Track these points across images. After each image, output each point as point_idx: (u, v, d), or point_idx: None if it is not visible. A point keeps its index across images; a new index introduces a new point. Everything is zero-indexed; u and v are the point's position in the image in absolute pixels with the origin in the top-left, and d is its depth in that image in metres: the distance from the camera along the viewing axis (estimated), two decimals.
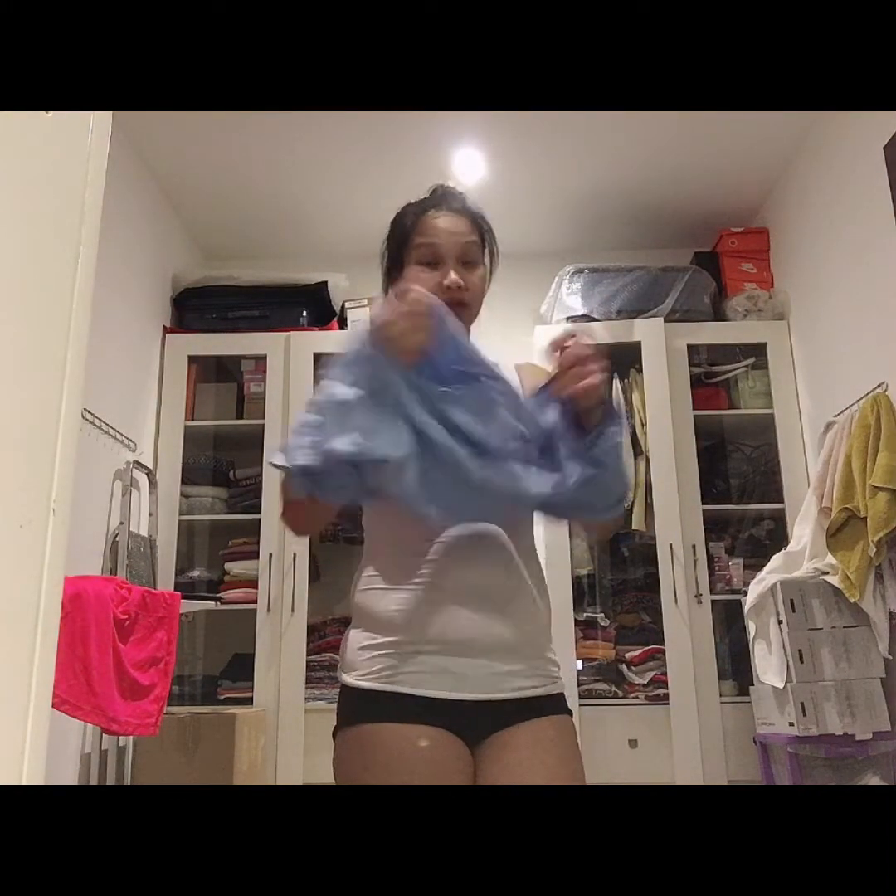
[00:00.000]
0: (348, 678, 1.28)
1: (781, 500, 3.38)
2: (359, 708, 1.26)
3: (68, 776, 2.69)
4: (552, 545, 3.27)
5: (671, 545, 3.29)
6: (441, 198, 1.41)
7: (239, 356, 3.69)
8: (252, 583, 3.36)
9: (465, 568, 1.28)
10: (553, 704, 1.30)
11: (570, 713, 1.34)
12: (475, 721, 1.24)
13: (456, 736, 1.22)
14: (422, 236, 1.37)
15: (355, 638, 1.31)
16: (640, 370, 3.51)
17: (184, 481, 3.49)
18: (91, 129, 0.86)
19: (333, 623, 3.52)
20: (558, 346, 1.25)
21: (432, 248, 1.35)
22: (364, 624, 1.31)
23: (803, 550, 2.92)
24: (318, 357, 3.58)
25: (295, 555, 3.33)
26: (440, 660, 1.24)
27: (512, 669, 1.27)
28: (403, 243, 1.40)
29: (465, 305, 1.34)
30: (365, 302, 3.71)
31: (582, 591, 3.44)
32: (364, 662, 1.27)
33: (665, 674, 3.21)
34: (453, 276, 1.33)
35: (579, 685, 3.22)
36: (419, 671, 1.24)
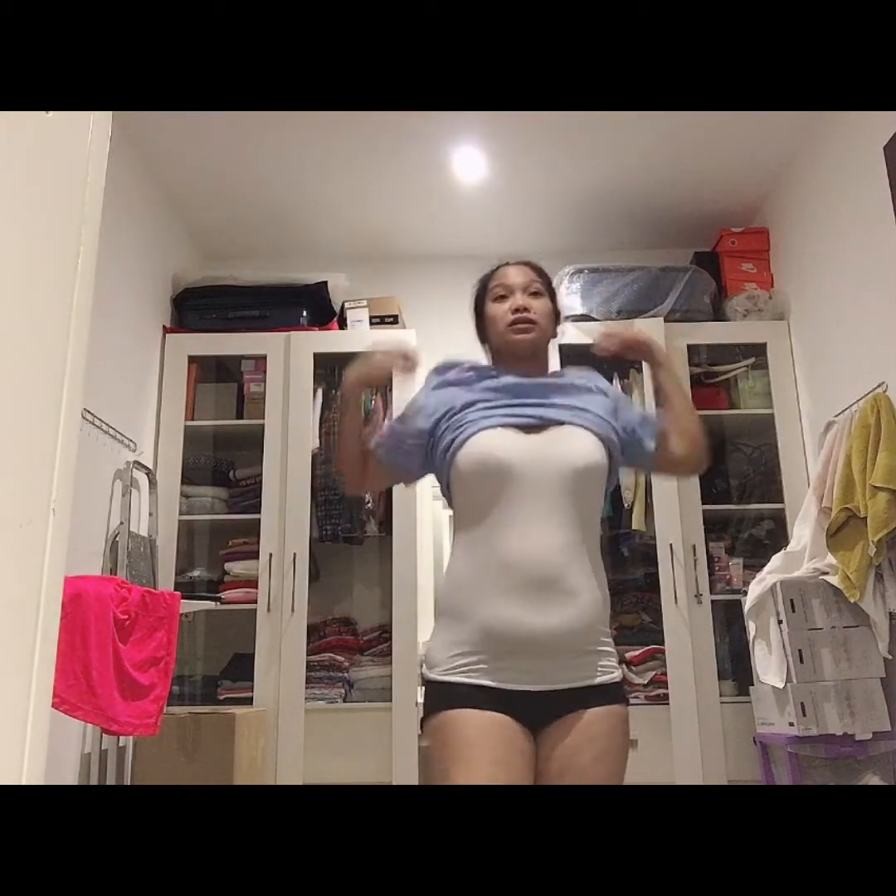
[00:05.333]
0: (431, 674, 1.51)
1: (781, 500, 3.38)
2: (440, 698, 1.48)
3: (68, 776, 2.68)
4: None
5: (671, 545, 3.29)
6: (508, 259, 1.77)
7: (239, 356, 3.68)
8: (252, 583, 3.35)
9: (531, 575, 1.46)
10: (606, 694, 1.49)
11: (624, 701, 1.53)
12: (536, 709, 1.45)
13: (519, 722, 1.43)
14: (495, 281, 1.71)
15: (436, 635, 1.54)
16: (640, 370, 3.51)
17: (184, 481, 3.48)
18: (91, 129, 0.86)
19: (333, 623, 3.52)
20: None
21: (503, 286, 1.69)
22: (442, 621, 1.54)
23: (803, 550, 2.92)
24: (318, 357, 3.58)
25: (295, 555, 3.33)
26: (507, 655, 1.45)
27: (569, 663, 1.47)
28: (483, 291, 1.73)
29: (533, 323, 1.65)
30: (364, 302, 3.71)
31: None
32: (445, 659, 1.49)
33: (665, 674, 3.21)
34: (520, 300, 1.66)
35: None
36: (490, 666, 1.45)
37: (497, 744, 1.40)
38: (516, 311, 1.64)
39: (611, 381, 3.54)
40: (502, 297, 1.67)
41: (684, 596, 3.25)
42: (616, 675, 1.52)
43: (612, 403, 1.66)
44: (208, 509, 3.54)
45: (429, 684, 1.50)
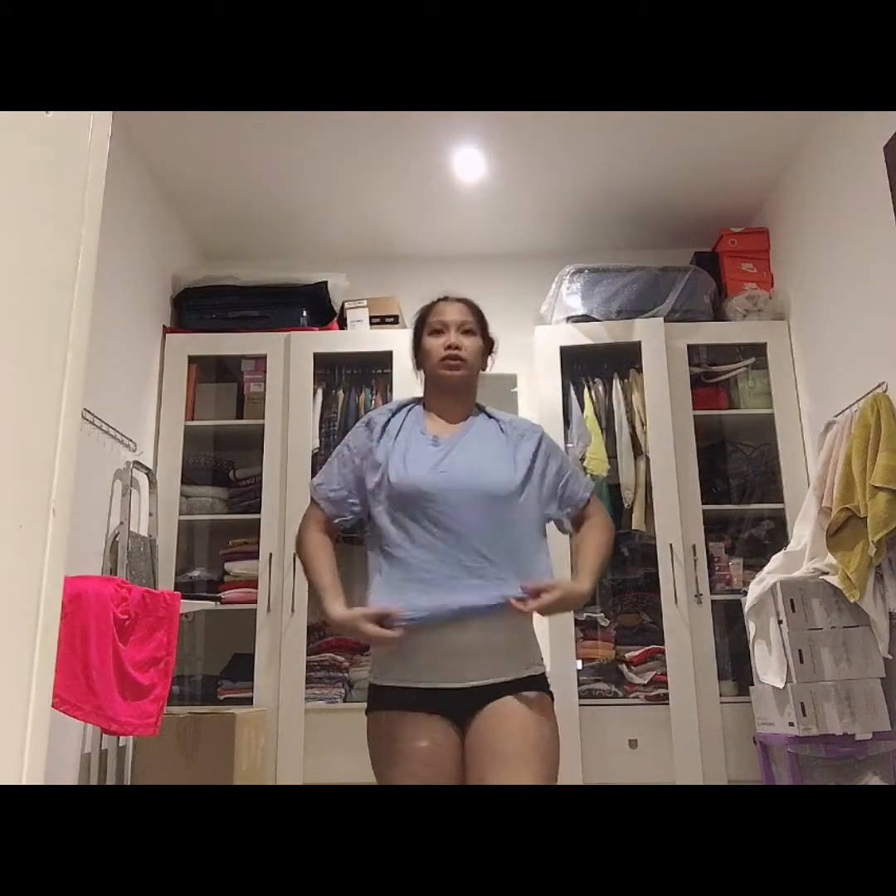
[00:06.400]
0: (370, 677, 1.75)
1: (781, 500, 3.38)
2: (375, 698, 1.71)
3: (68, 776, 2.68)
4: (552, 545, 3.27)
5: (671, 545, 3.29)
6: (447, 294, 1.94)
7: (239, 356, 3.68)
8: (252, 583, 3.35)
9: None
10: (523, 685, 1.67)
11: (543, 691, 1.70)
12: (461, 704, 1.65)
13: (447, 718, 1.64)
14: (432, 316, 1.90)
15: (376, 648, 1.75)
16: (640, 370, 3.51)
17: (184, 481, 3.48)
18: (91, 129, 0.86)
19: None
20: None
21: (440, 322, 1.87)
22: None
23: (803, 550, 2.92)
24: (318, 357, 3.58)
25: (295, 555, 3.32)
26: (430, 660, 1.65)
27: (485, 663, 1.66)
28: (421, 325, 1.91)
29: (462, 360, 1.84)
30: (364, 302, 3.71)
31: None
32: (377, 663, 1.74)
33: (665, 674, 3.21)
34: (452, 339, 1.84)
35: (579, 685, 3.21)
36: (415, 668, 1.66)
37: (426, 745, 1.61)
38: (449, 347, 1.83)
39: (610, 382, 3.56)
40: (438, 332, 1.86)
41: (684, 596, 3.24)
42: (535, 670, 1.71)
43: (535, 454, 1.83)
44: (208, 509, 3.54)
45: (370, 687, 1.73)
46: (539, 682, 1.71)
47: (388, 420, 1.85)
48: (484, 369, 1.93)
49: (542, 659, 1.77)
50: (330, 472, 1.86)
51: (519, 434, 1.85)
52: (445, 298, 1.92)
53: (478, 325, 1.90)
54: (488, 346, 1.93)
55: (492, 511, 1.71)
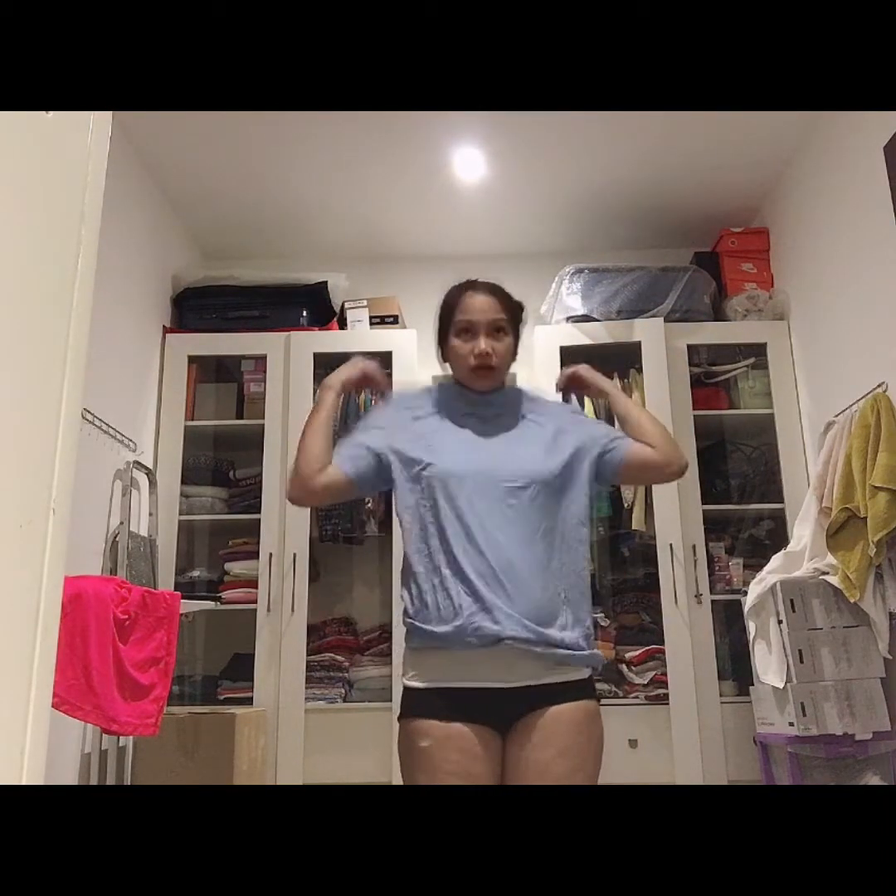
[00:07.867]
0: (404, 679, 1.62)
1: (781, 500, 3.38)
2: (409, 705, 1.58)
3: (68, 776, 2.68)
4: None
5: (671, 545, 3.29)
6: (477, 281, 1.78)
7: (239, 356, 3.68)
8: (252, 583, 3.35)
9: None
10: (572, 690, 1.54)
11: (592, 697, 1.58)
12: (501, 707, 1.52)
13: (484, 724, 1.51)
14: (460, 313, 1.72)
15: (406, 643, 1.64)
16: (640, 370, 3.51)
17: (184, 481, 3.48)
18: (91, 129, 0.86)
19: (333, 623, 3.52)
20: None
21: (467, 323, 1.71)
22: (407, 628, 1.62)
23: (803, 550, 2.92)
24: (318, 357, 3.58)
25: (295, 555, 3.33)
26: (478, 657, 1.52)
27: (531, 660, 1.52)
28: (448, 318, 1.75)
29: (492, 368, 1.71)
30: (364, 302, 3.71)
31: None
32: (408, 665, 1.60)
33: (665, 674, 3.21)
34: (483, 345, 1.69)
35: None
36: (447, 668, 1.54)
37: (456, 755, 1.49)
38: (479, 355, 1.69)
39: (611, 380, 3.55)
40: (466, 332, 1.71)
41: (684, 596, 3.24)
42: (583, 672, 1.58)
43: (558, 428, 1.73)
44: (208, 509, 3.54)
45: (404, 690, 1.61)
46: (590, 687, 1.59)
47: (415, 402, 1.79)
48: (514, 360, 1.79)
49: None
50: (341, 443, 1.75)
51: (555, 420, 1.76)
52: (472, 286, 1.75)
53: (509, 320, 1.73)
54: (519, 336, 1.79)
55: (530, 498, 1.59)
